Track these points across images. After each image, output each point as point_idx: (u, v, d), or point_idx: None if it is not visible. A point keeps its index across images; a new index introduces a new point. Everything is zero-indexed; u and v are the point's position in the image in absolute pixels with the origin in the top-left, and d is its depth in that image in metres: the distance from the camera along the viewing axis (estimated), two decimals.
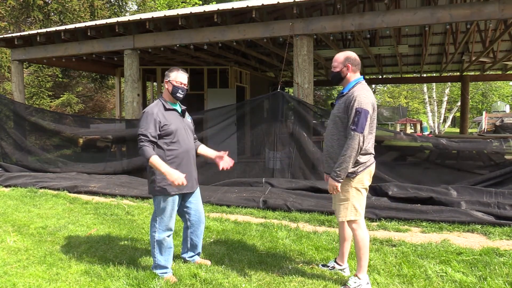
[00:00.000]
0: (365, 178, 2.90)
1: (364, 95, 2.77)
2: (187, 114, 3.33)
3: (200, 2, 18.79)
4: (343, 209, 2.90)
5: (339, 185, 2.80)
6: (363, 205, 2.93)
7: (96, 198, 6.02)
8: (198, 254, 3.49)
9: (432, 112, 27.17)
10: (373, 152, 2.95)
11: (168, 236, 3.16)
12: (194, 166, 3.29)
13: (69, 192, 6.34)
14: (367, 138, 2.82)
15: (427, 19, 5.69)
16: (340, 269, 3.21)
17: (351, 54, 2.93)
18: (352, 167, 2.82)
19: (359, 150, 2.76)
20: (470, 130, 22.93)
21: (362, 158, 2.84)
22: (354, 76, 2.92)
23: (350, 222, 2.92)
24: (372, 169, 2.96)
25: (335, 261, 3.27)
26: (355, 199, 2.88)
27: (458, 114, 28.19)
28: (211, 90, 10.99)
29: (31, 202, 5.72)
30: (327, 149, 3.00)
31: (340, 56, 2.93)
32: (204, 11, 6.60)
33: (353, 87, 2.86)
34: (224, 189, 6.01)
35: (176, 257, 3.43)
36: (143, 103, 10.81)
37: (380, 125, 27.12)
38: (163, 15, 6.86)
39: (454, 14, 5.56)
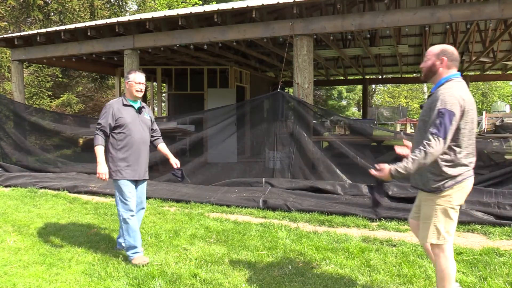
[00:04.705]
0: (455, 196, 2.39)
1: (450, 94, 2.31)
2: (147, 111, 3.74)
3: (200, 2, 18.79)
4: (425, 228, 2.47)
5: (388, 174, 2.37)
6: (449, 228, 2.41)
7: (96, 198, 6.02)
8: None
9: None
10: (469, 164, 2.43)
11: (132, 216, 3.50)
12: (146, 157, 3.69)
13: (69, 192, 6.34)
14: (464, 148, 2.37)
15: (427, 19, 5.68)
16: None
17: (449, 48, 2.48)
18: (437, 181, 2.38)
19: (431, 159, 2.28)
20: None
21: (450, 170, 2.36)
22: (447, 72, 2.46)
23: (432, 246, 2.47)
24: (467, 185, 2.43)
25: None
26: (437, 220, 2.40)
27: None
28: (211, 90, 10.98)
29: (31, 202, 5.71)
30: None
31: (435, 48, 2.51)
32: (204, 11, 6.61)
33: (442, 84, 2.43)
34: (224, 189, 6.01)
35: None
36: None
37: (380, 125, 27.17)
38: (163, 15, 6.86)
39: (454, 14, 5.56)
